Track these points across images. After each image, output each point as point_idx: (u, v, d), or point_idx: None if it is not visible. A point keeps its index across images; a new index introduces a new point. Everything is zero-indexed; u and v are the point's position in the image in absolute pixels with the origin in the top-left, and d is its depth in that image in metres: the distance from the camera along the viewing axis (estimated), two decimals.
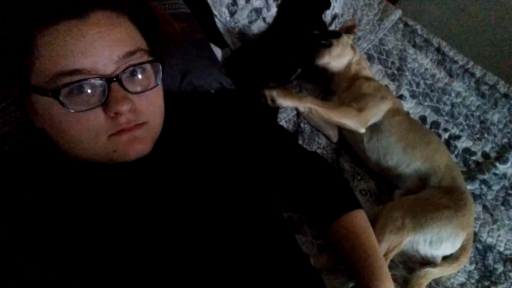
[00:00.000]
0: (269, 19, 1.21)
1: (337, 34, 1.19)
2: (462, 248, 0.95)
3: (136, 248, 0.53)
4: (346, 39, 1.19)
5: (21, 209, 0.54)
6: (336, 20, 1.39)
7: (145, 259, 0.53)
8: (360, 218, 0.76)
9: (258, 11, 1.18)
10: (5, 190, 0.56)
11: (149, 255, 0.53)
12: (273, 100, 1.00)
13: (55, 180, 0.57)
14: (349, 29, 1.25)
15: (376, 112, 1.08)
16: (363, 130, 1.06)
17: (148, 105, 0.57)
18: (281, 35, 1.19)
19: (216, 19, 1.13)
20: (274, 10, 1.22)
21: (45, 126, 0.58)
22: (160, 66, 0.58)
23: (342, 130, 1.14)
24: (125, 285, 0.52)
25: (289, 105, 1.03)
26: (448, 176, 1.03)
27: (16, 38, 0.53)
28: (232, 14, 1.14)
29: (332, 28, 1.37)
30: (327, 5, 1.30)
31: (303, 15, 1.22)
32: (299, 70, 1.19)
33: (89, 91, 0.52)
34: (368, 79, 1.17)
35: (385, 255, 0.88)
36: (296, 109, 1.08)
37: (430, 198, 0.98)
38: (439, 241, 0.92)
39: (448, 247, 0.94)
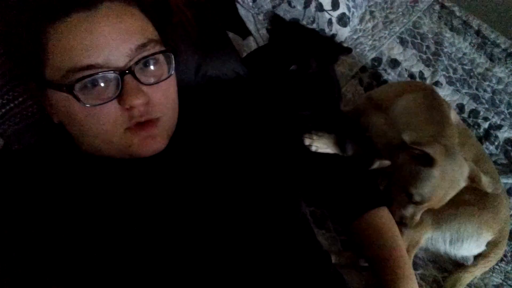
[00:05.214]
0: (295, 3, 1.15)
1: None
2: (494, 245, 0.89)
3: (152, 243, 0.53)
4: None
5: (36, 203, 0.55)
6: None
7: (161, 255, 0.53)
8: (384, 216, 0.75)
9: None
10: (22, 185, 0.57)
11: (164, 251, 0.53)
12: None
13: (71, 174, 0.58)
14: None
15: None
16: None
17: (161, 97, 0.56)
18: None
19: (238, 5, 1.10)
20: None
21: (63, 121, 0.58)
22: (173, 56, 0.57)
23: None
24: (142, 278, 0.52)
25: None
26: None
27: (28, 33, 0.53)
28: None
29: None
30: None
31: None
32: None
33: (102, 84, 0.52)
34: None
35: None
36: None
37: None
38: (460, 240, 0.87)
39: (472, 247, 0.88)
